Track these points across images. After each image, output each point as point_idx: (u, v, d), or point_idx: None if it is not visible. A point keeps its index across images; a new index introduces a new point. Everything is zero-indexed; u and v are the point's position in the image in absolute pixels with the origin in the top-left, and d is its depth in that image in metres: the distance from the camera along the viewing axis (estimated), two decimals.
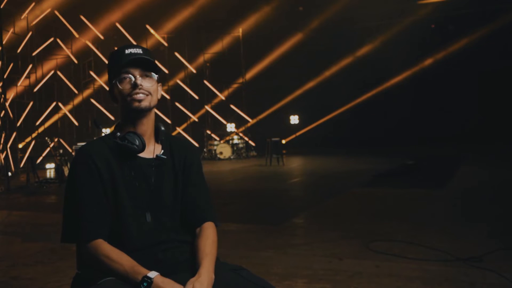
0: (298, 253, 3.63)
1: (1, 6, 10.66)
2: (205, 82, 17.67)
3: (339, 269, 3.14)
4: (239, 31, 17.54)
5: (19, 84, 13.72)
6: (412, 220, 4.70)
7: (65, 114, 15.50)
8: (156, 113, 1.62)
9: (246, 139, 16.83)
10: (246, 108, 17.73)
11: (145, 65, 1.52)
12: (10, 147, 11.64)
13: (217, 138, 16.45)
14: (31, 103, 13.85)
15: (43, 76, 14.63)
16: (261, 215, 5.62)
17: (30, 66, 13.92)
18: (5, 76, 10.87)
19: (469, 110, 16.09)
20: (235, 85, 18.50)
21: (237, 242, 4.05)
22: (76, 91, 15.66)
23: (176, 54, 16.83)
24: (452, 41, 17.01)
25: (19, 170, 12.10)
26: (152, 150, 1.57)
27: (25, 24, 13.70)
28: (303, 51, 18.42)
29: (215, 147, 15.55)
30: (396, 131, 16.62)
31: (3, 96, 11.26)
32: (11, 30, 13.17)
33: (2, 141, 11.34)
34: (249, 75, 18.77)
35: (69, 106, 15.56)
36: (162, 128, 1.60)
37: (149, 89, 1.51)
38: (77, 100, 15.88)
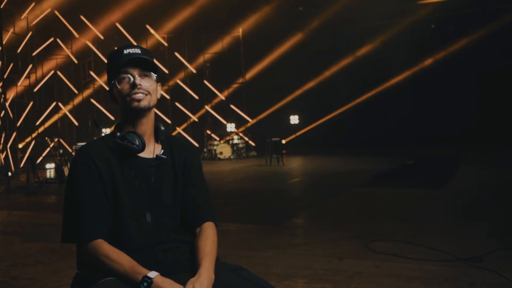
0: (298, 253, 3.63)
1: (1, 6, 10.66)
2: (205, 82, 17.68)
3: (339, 269, 3.14)
4: (239, 31, 17.54)
5: (19, 84, 13.72)
6: (412, 220, 4.70)
7: (65, 114, 15.51)
8: (156, 113, 1.63)
9: (246, 139, 16.83)
10: (246, 108, 17.74)
11: (144, 65, 1.52)
12: (10, 147, 11.64)
13: (217, 138, 16.45)
14: (31, 103, 13.85)
15: (43, 76, 14.63)
16: (261, 215, 5.62)
17: (30, 66, 13.93)
18: (5, 76, 10.87)
19: (469, 110, 16.09)
20: (235, 85, 18.50)
21: (237, 242, 4.05)
22: (76, 91, 15.67)
23: (176, 54, 16.83)
24: (452, 41, 17.01)
25: (19, 170, 12.10)
26: (152, 150, 1.57)
27: (25, 24, 13.70)
28: (303, 51, 18.42)
29: (215, 147, 15.55)
30: (396, 131, 16.62)
31: (3, 96, 11.26)
32: (11, 30, 13.17)
33: (2, 141, 11.34)
34: (249, 75, 18.77)
35: (69, 106, 15.57)
36: (162, 128, 1.60)
37: (148, 88, 1.51)
38: (77, 100, 15.89)
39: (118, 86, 1.50)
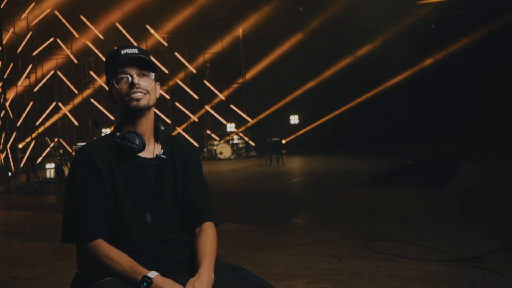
0: (298, 253, 3.62)
1: (1, 6, 10.66)
2: (205, 82, 17.68)
3: (339, 269, 3.13)
4: (239, 31, 17.54)
5: (19, 84, 13.72)
6: (412, 220, 4.70)
7: (65, 114, 15.51)
8: (156, 113, 1.63)
9: (246, 139, 16.83)
10: (246, 108, 17.74)
11: (142, 64, 1.52)
12: (10, 147, 11.64)
13: (217, 138, 16.45)
14: (31, 103, 13.85)
15: (43, 76, 14.64)
16: (261, 215, 5.62)
17: (30, 66, 13.93)
18: (5, 76, 10.87)
19: (469, 110, 16.09)
20: (235, 85, 18.50)
21: (237, 242, 4.05)
22: (76, 91, 15.67)
23: (176, 54, 16.83)
24: (452, 41, 17.02)
25: (19, 170, 12.10)
26: (152, 150, 1.57)
27: (25, 24, 13.71)
28: (303, 51, 18.43)
29: (215, 147, 15.55)
30: (396, 131, 16.62)
31: (3, 96, 11.27)
32: (11, 30, 13.17)
33: (2, 141, 11.34)
34: (249, 75, 18.77)
35: (69, 106, 15.57)
36: (162, 128, 1.60)
37: (146, 88, 1.51)
38: (77, 100, 15.89)
39: (116, 86, 1.50)
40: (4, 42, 11.01)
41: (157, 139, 1.60)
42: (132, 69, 1.50)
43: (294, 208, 6.02)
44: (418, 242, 3.67)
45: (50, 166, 13.31)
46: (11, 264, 3.63)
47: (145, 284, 1.30)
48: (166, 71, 16.79)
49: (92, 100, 16.01)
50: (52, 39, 14.53)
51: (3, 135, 11.47)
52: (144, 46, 16.01)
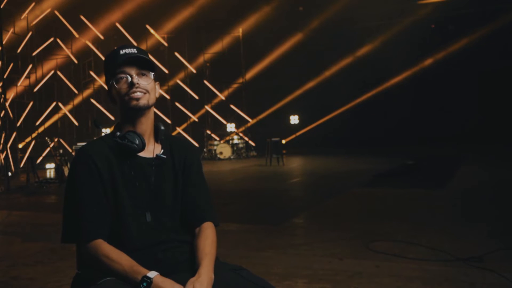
0: (298, 253, 3.62)
1: (1, 6, 10.66)
2: (205, 82, 17.67)
3: (339, 269, 3.13)
4: (239, 31, 17.54)
5: (19, 84, 13.72)
6: (412, 220, 4.70)
7: (65, 114, 15.51)
8: (156, 113, 1.63)
9: (246, 139, 16.83)
10: (246, 108, 17.73)
11: (141, 64, 1.52)
12: (10, 147, 11.64)
13: (217, 138, 16.44)
14: (31, 103, 13.85)
15: (43, 76, 14.63)
16: (261, 215, 5.62)
17: (30, 66, 13.93)
18: (5, 76, 10.87)
19: (469, 110, 16.09)
20: (235, 85, 18.50)
21: (237, 242, 4.05)
22: (76, 91, 15.67)
23: (176, 54, 16.82)
24: (452, 41, 17.02)
25: (19, 170, 12.10)
26: (152, 150, 1.57)
27: (25, 24, 13.70)
28: (303, 51, 18.43)
29: (215, 147, 15.55)
30: (396, 131, 16.62)
31: (3, 96, 11.27)
32: (11, 30, 13.17)
33: (2, 141, 11.34)
34: (249, 75, 18.77)
35: (69, 106, 15.57)
36: (162, 128, 1.60)
37: (146, 87, 1.51)
38: (77, 100, 15.89)
39: (116, 86, 1.50)
40: (4, 42, 11.01)
41: (157, 139, 1.60)
42: (132, 68, 1.50)
43: (294, 208, 6.02)
44: (418, 242, 3.67)
45: (50, 166, 13.31)
46: (11, 264, 3.63)
47: (145, 284, 1.30)
48: (166, 71, 16.79)
49: (92, 100, 16.01)
50: (52, 39, 14.53)
51: (3, 135, 11.47)
52: (144, 46, 16.02)
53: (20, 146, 13.18)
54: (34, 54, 14.03)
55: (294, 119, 19.80)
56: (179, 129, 17.10)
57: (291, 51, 18.75)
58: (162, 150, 1.59)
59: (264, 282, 1.42)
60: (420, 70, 17.97)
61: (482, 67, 15.67)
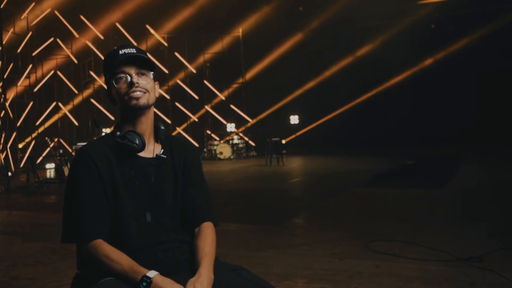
0: (298, 253, 3.62)
1: (1, 6, 10.65)
2: (205, 82, 17.67)
3: (339, 269, 3.13)
4: (239, 31, 17.54)
5: (19, 84, 13.72)
6: (412, 220, 4.70)
7: (65, 114, 15.51)
8: (156, 113, 1.63)
9: (246, 139, 16.83)
10: (246, 108, 17.73)
11: (140, 63, 1.52)
12: (10, 147, 11.64)
13: (217, 138, 16.44)
14: (31, 103, 13.85)
15: (43, 76, 14.63)
16: (261, 215, 5.62)
17: (30, 66, 13.92)
18: (5, 76, 10.87)
19: (469, 110, 16.09)
20: (235, 85, 18.50)
21: (237, 242, 4.05)
22: (76, 91, 15.67)
23: (176, 54, 16.82)
24: (452, 41, 17.02)
25: (19, 170, 12.09)
26: (152, 150, 1.57)
27: (25, 24, 13.70)
28: (303, 51, 18.43)
29: (215, 147, 15.55)
30: (396, 131, 16.62)
31: (3, 96, 11.26)
32: (11, 30, 13.17)
33: (2, 141, 11.34)
34: (249, 75, 18.77)
35: (69, 106, 15.57)
36: (162, 128, 1.60)
37: (145, 86, 1.51)
38: (77, 100, 15.89)
39: (115, 85, 1.50)
40: (4, 42, 11.01)
41: (157, 139, 1.60)
42: (131, 68, 1.50)
43: (294, 208, 6.02)
44: (418, 242, 3.67)
45: (50, 166, 13.31)
46: (11, 264, 3.63)
47: (144, 283, 1.30)
48: (166, 71, 16.79)
49: (92, 100, 16.01)
50: (52, 39, 14.53)
51: (3, 135, 11.47)
52: (144, 46, 16.03)
53: (20, 146, 13.18)
54: (34, 54, 14.03)
55: (294, 119, 19.80)
56: (179, 129, 17.10)
57: (291, 51, 18.75)
58: (162, 150, 1.58)
59: (264, 282, 1.42)
60: (420, 70, 17.97)
61: (482, 67, 15.67)
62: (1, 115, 11.62)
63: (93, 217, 1.43)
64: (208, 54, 17.91)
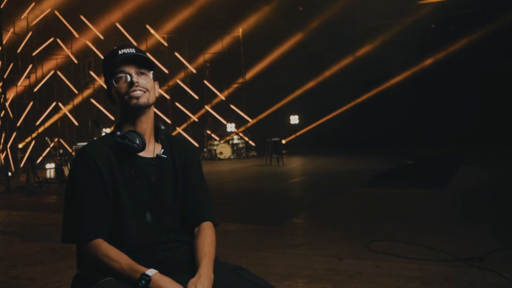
0: (298, 253, 3.62)
1: (1, 6, 10.65)
2: (205, 82, 17.67)
3: (339, 269, 3.14)
4: (239, 31, 17.53)
5: (19, 84, 13.72)
6: (412, 220, 4.70)
7: (65, 114, 15.50)
8: (156, 113, 1.63)
9: (246, 139, 16.82)
10: (246, 108, 17.73)
11: (140, 63, 1.52)
12: (10, 147, 11.64)
13: (217, 138, 16.44)
14: (31, 103, 13.85)
15: (43, 76, 14.63)
16: (261, 215, 5.62)
17: (30, 66, 13.92)
18: (5, 76, 10.87)
19: (469, 110, 16.10)
20: (235, 85, 18.49)
21: (237, 242, 4.05)
22: (76, 91, 15.66)
23: (176, 54, 16.82)
24: (452, 41, 17.02)
25: (19, 170, 12.09)
26: (152, 150, 1.57)
27: (25, 24, 13.70)
28: (303, 51, 18.43)
29: (215, 147, 15.55)
30: (396, 131, 16.62)
31: (3, 96, 11.26)
32: (11, 30, 13.17)
33: (2, 141, 11.34)
34: (249, 75, 18.76)
35: (69, 106, 15.56)
36: (162, 127, 1.60)
37: (145, 86, 1.51)
38: (77, 100, 15.88)
39: (115, 85, 1.50)
40: (4, 42, 11.01)
41: (157, 139, 1.60)
42: (131, 67, 1.50)
43: (294, 208, 6.02)
44: (418, 242, 3.67)
45: (50, 166, 13.30)
46: (11, 264, 3.63)
47: (143, 282, 1.30)
48: (166, 71, 16.78)
49: (92, 100, 16.00)
50: (52, 39, 14.53)
51: (3, 135, 11.47)
52: (144, 46, 16.04)
53: (20, 146, 13.18)
54: (34, 54, 14.02)
55: (294, 119, 19.80)
56: (179, 129, 17.09)
57: (291, 51, 18.74)
58: (162, 150, 1.59)
59: (264, 282, 1.42)
60: (420, 70, 17.97)
61: (482, 67, 15.67)
62: (1, 115, 11.62)
63: (93, 217, 1.43)
64: (208, 54, 17.90)
